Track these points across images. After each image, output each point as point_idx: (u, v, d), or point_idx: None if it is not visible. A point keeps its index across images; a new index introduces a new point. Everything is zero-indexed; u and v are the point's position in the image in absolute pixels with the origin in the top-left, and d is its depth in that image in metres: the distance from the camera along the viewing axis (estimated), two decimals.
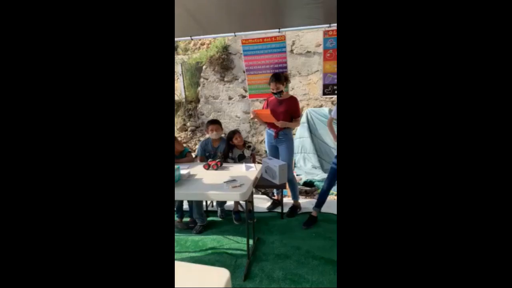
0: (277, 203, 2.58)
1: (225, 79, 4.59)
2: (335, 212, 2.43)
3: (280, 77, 2.28)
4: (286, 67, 2.61)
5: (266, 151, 2.68)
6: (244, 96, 4.51)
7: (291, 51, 4.03)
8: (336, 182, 2.56)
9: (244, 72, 2.78)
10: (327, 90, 2.55)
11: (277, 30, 2.47)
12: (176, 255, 1.94)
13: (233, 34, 2.54)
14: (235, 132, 2.38)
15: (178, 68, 5.00)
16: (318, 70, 3.98)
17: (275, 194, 2.73)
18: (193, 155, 2.64)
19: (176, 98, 5.06)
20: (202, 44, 5.13)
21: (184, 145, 3.86)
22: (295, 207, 2.52)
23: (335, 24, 2.35)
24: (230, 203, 2.56)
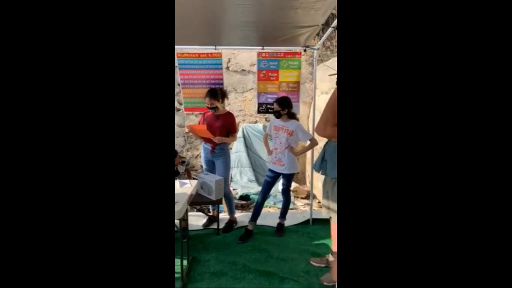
0: (213, 219, 2.53)
1: None
2: (270, 224, 2.53)
3: (216, 93, 2.31)
4: (222, 83, 2.66)
5: (202, 166, 2.63)
6: (178, 109, 4.37)
7: (227, 68, 4.14)
8: (269, 194, 2.68)
9: (179, 85, 2.71)
10: (261, 108, 2.70)
11: (214, 47, 2.52)
12: None
13: None
14: None
15: None
16: (252, 88, 4.18)
17: (211, 210, 2.68)
18: None
19: None
20: None
21: None
22: (231, 222, 2.52)
23: (268, 48, 2.54)
24: None
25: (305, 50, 2.61)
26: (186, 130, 2.38)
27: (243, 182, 3.67)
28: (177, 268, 1.80)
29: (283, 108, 2.22)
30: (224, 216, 2.61)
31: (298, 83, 2.61)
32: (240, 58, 4.18)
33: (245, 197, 3.22)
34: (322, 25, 2.19)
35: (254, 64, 4.05)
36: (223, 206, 2.68)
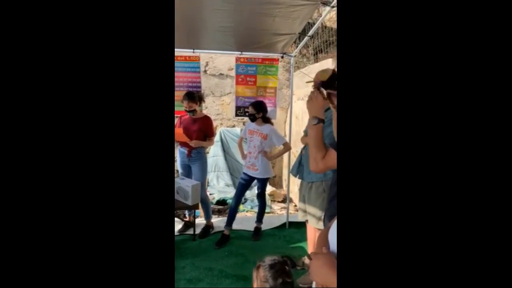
0: (189, 224, 2.48)
1: None
2: (247, 228, 2.53)
3: (194, 96, 2.29)
4: (200, 87, 2.64)
5: (178, 171, 2.58)
6: None
7: (205, 71, 4.11)
8: (244, 198, 2.68)
9: None
10: (239, 112, 2.71)
11: (192, 50, 2.50)
12: None
13: None
14: None
15: None
16: (231, 92, 4.18)
17: (186, 215, 2.63)
18: None
19: None
20: None
21: None
22: (208, 227, 2.48)
23: (246, 53, 2.57)
24: None
25: (282, 57, 2.68)
26: None
27: (220, 187, 3.64)
28: None
29: (258, 111, 2.25)
30: (200, 221, 2.57)
31: (275, 88, 2.67)
32: (218, 62, 4.17)
33: (222, 202, 3.19)
34: (299, 33, 2.27)
35: (232, 69, 4.06)
36: (200, 211, 2.64)
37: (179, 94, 2.46)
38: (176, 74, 2.56)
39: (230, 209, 2.37)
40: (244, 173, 2.37)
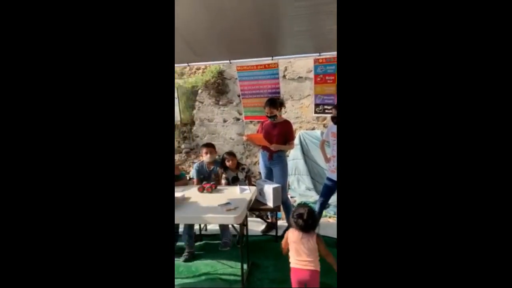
0: (272, 226, 2.56)
1: (220, 102, 4.70)
2: (330, 235, 2.43)
3: (275, 102, 2.37)
4: (279, 92, 2.72)
5: (260, 173, 2.71)
6: (238, 119, 4.60)
7: (284, 76, 4.19)
8: (330, 201, 2.57)
9: (239, 96, 2.88)
10: (318, 109, 2.67)
11: (270, 58, 2.60)
12: None
13: (228, 61, 2.66)
14: (228, 154, 2.41)
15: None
16: (309, 94, 4.13)
17: (269, 216, 2.72)
18: (188, 177, 2.65)
19: None
20: (198, 68, 5.29)
21: (179, 167, 3.85)
22: None
23: (325, 53, 2.50)
24: (215, 227, 2.53)
25: None
26: (244, 138, 2.50)
27: (301, 190, 3.62)
28: (238, 271, 1.88)
29: None
30: (282, 223, 2.62)
31: None
32: (297, 66, 4.19)
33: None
34: None
35: (311, 71, 4.02)
36: (281, 213, 2.69)
37: (260, 100, 2.60)
38: (256, 82, 2.72)
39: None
40: (328, 178, 2.29)
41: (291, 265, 1.44)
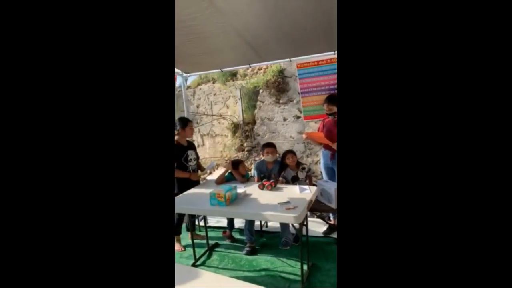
0: (334, 228, 2.45)
1: (280, 101, 4.72)
2: None
3: (334, 98, 2.26)
4: None
5: (321, 172, 2.62)
6: (298, 117, 4.54)
7: None
8: None
9: (299, 93, 2.84)
10: None
11: (333, 52, 2.49)
12: (231, 273, 2.00)
13: (288, 59, 2.65)
14: (288, 152, 2.40)
15: (237, 93, 5.37)
16: None
17: (331, 218, 2.61)
18: (250, 174, 2.75)
19: (234, 120, 5.40)
20: (260, 69, 5.42)
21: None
22: None
23: None
24: (275, 225, 2.54)
25: None
26: (304, 137, 2.45)
27: None
28: (297, 270, 1.86)
29: None
30: None
31: None
32: None
33: None
34: None
35: None
36: None
37: (320, 98, 2.51)
38: (317, 78, 2.63)
39: None
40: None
41: None
